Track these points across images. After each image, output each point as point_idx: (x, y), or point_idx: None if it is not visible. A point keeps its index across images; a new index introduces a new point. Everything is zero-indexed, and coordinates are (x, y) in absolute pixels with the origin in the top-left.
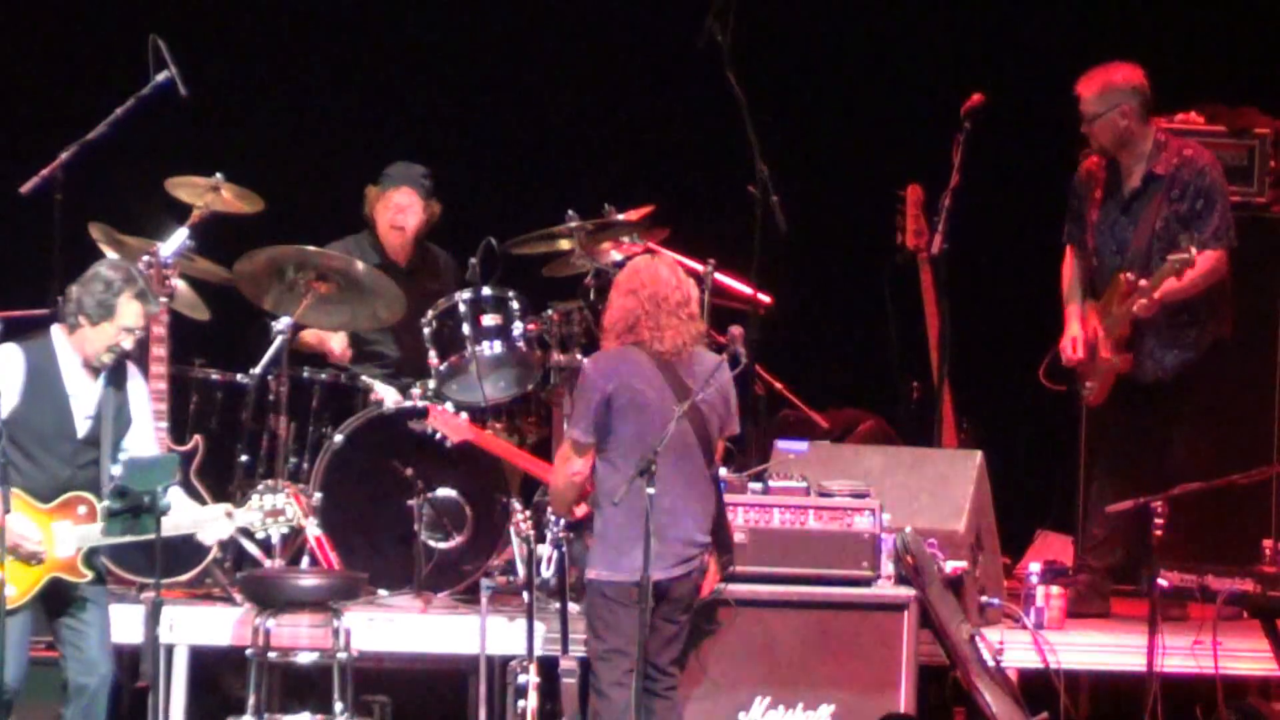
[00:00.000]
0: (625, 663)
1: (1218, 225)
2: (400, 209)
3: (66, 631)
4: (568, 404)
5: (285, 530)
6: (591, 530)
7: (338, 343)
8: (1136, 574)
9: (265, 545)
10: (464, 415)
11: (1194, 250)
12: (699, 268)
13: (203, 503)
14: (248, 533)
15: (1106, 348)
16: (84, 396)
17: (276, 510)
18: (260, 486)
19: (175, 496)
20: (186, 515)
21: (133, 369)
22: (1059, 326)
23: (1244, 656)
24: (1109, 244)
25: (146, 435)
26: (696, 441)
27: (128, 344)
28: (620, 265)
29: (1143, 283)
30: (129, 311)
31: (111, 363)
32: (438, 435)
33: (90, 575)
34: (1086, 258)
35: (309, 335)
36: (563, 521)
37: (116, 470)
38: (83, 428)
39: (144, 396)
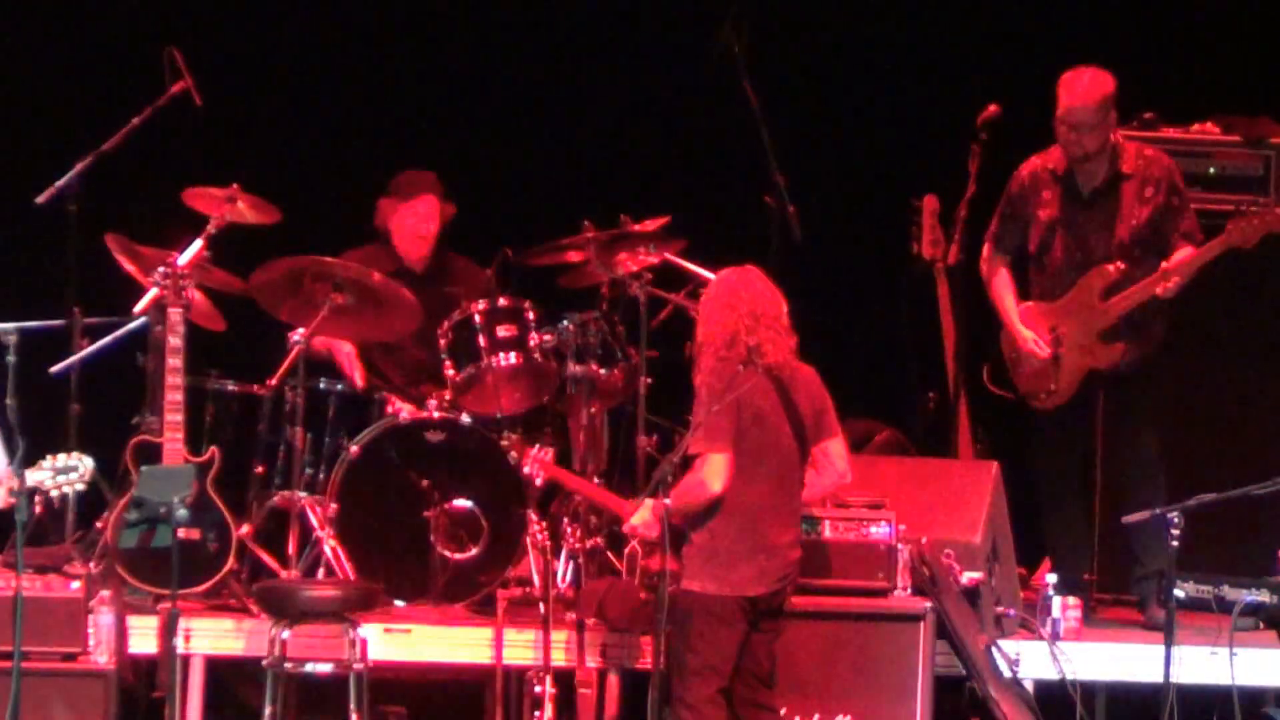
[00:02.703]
0: (718, 680)
1: (1194, 220)
2: (423, 218)
3: None
4: (583, 415)
5: (80, 487)
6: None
7: (349, 363)
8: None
9: (280, 556)
10: (550, 453)
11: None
12: (714, 279)
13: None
14: (41, 492)
15: (1077, 344)
16: None
17: (68, 468)
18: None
19: None
20: None
21: None
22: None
23: (1260, 667)
24: (1070, 243)
25: None
26: (798, 453)
27: None
28: (635, 277)
29: (1165, 265)
30: None
31: None
32: (530, 474)
33: None
34: (1012, 263)
35: (318, 341)
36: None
37: None
38: None
39: None
